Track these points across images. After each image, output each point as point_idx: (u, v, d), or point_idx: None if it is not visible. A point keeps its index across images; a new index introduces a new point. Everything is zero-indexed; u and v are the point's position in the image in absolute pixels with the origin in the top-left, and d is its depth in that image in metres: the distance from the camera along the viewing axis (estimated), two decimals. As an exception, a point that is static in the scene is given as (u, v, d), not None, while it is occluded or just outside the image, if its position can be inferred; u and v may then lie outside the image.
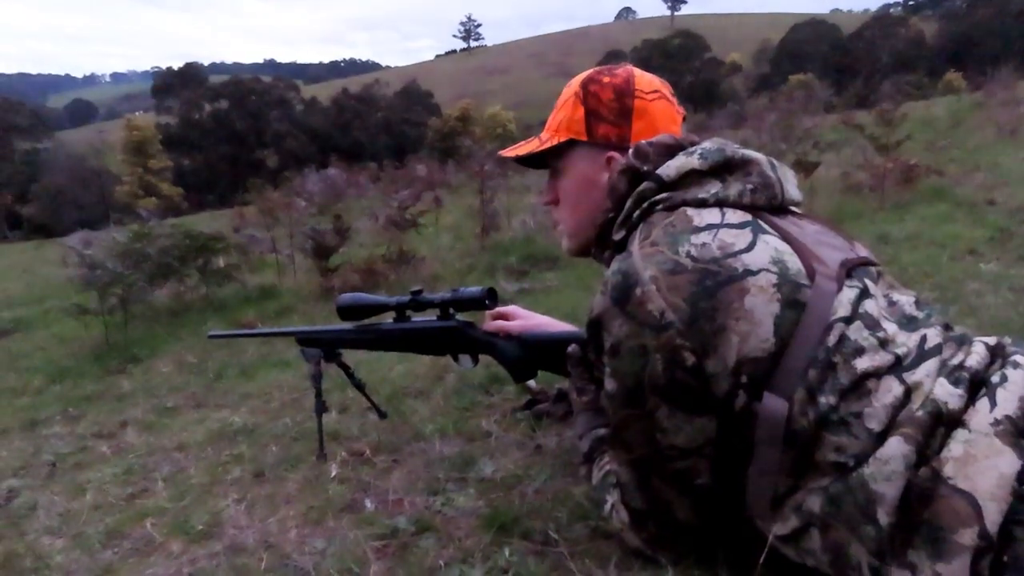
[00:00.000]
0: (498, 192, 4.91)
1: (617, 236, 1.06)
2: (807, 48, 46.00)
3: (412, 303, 1.41)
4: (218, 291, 3.99)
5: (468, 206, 5.64)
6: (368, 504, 1.38)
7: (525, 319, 1.43)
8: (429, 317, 1.44)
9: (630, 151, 1.07)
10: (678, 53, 45.60)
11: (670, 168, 1.01)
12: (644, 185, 1.03)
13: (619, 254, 0.98)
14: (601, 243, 1.13)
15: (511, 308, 1.48)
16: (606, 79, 1.13)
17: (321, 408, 1.64)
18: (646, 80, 1.14)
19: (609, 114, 1.12)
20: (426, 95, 48.99)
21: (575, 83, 1.17)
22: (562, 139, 1.15)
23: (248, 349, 2.86)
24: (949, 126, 8.49)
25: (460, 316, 1.43)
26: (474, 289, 1.33)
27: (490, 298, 1.32)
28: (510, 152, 1.24)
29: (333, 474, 1.55)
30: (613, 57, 49.98)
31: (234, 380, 2.54)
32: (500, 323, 1.40)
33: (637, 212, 1.03)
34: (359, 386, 1.69)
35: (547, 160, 1.22)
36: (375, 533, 1.26)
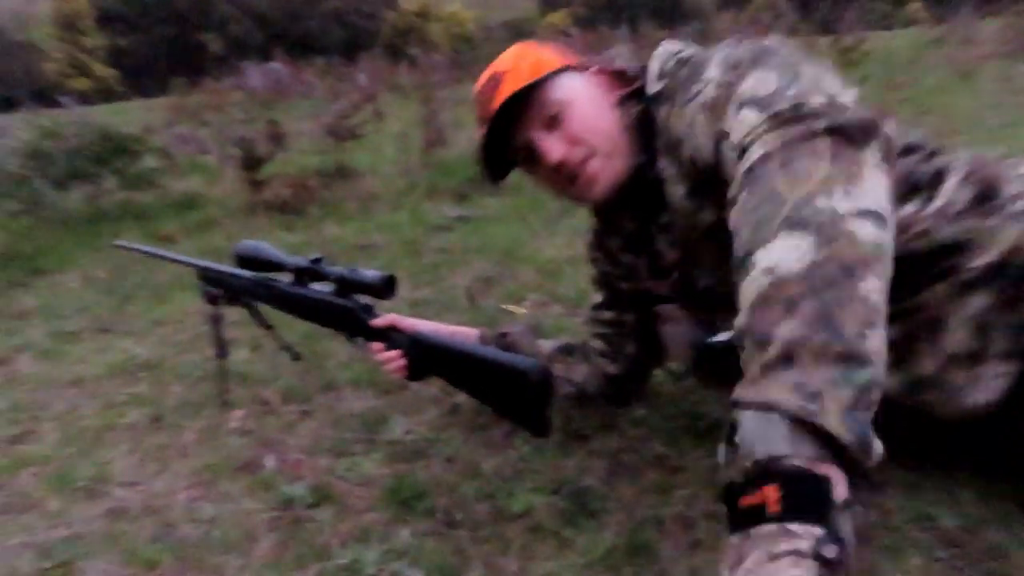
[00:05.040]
0: (446, 106, 4.66)
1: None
2: (778, -36, 44.88)
3: (309, 270, 1.29)
4: (139, 197, 3.73)
5: (417, 112, 5.36)
6: (268, 463, 1.30)
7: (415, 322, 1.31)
8: (329, 288, 1.31)
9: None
10: (648, -40, 43.88)
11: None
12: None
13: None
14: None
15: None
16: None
17: (223, 352, 1.53)
18: None
19: (563, 51, 1.09)
20: (383, -14, 46.39)
21: (509, 50, 1.10)
22: (554, 68, 1.05)
23: (165, 267, 2.66)
24: (908, 62, 8.40)
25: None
26: (373, 273, 1.20)
27: (386, 286, 1.19)
28: (506, 93, 1.03)
29: (234, 425, 1.45)
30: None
31: (146, 303, 2.38)
32: (394, 316, 1.28)
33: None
34: (267, 326, 1.56)
35: (534, 121, 1.05)
36: (270, 502, 1.18)
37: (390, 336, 1.26)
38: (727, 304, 1.02)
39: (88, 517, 1.20)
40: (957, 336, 0.87)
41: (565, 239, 2.50)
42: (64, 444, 1.46)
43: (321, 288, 1.33)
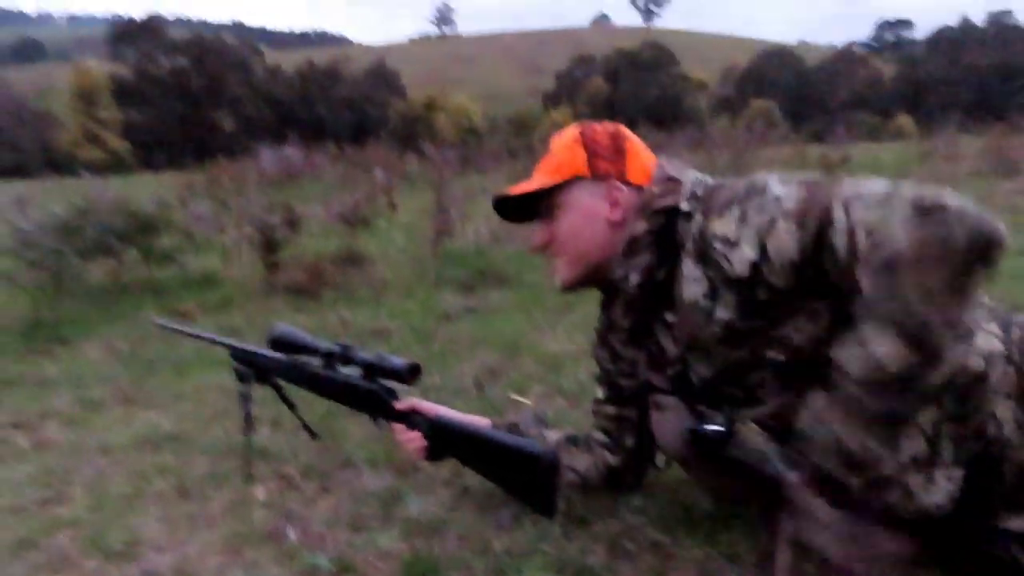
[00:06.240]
0: (454, 198, 4.90)
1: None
2: (772, 75, 47.15)
3: (340, 356, 1.44)
4: (158, 273, 3.89)
5: (425, 201, 5.62)
6: (291, 535, 1.39)
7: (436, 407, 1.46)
8: (356, 372, 1.45)
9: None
10: (647, 65, 46.12)
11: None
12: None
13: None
14: (598, 277, 1.26)
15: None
16: (598, 127, 1.29)
17: (249, 429, 1.64)
18: (627, 130, 1.31)
19: (607, 153, 1.26)
20: (393, 75, 48.38)
21: (570, 131, 1.30)
22: (567, 177, 1.25)
23: (185, 341, 2.80)
24: (894, 174, 8.81)
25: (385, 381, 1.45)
26: (399, 360, 1.35)
27: (411, 373, 1.34)
28: (519, 189, 1.29)
29: (259, 498, 1.55)
30: (583, 61, 50.16)
31: (167, 376, 2.50)
32: (415, 400, 1.42)
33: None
34: (290, 405, 1.69)
35: (540, 204, 1.29)
36: (295, 570, 1.27)
37: (411, 418, 1.39)
38: (721, 396, 1.16)
39: (124, 578, 1.28)
40: (914, 443, 1.01)
41: (566, 333, 2.65)
42: (95, 509, 1.56)
43: (348, 372, 1.47)
